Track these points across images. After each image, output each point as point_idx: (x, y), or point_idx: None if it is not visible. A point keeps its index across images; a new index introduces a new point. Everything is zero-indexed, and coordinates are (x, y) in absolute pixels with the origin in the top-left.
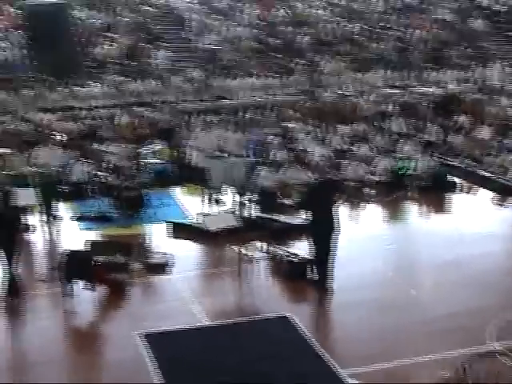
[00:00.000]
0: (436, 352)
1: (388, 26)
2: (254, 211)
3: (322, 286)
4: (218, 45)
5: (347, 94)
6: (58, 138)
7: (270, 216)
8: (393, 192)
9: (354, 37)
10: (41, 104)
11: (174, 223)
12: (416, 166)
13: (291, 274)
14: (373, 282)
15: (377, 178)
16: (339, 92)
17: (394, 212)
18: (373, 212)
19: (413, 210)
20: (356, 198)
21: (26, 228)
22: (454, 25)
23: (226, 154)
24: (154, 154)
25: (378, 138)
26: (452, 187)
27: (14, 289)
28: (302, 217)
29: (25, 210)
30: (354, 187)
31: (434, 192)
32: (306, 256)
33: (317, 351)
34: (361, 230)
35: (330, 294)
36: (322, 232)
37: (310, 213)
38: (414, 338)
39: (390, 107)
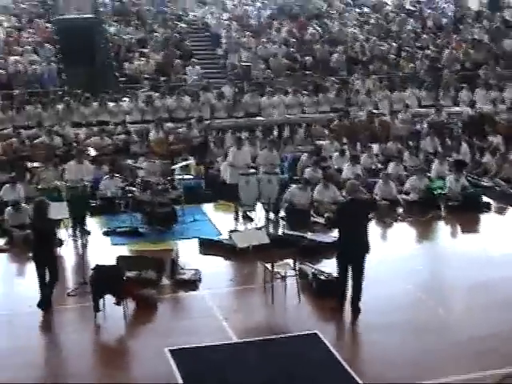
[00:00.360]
0: (466, 373)
1: (421, 45)
2: (284, 229)
3: (351, 307)
4: (251, 62)
5: (380, 112)
6: (91, 152)
7: (299, 233)
8: (425, 212)
9: (388, 56)
10: (73, 118)
11: (205, 239)
12: (449, 186)
13: (320, 291)
14: (403, 303)
15: (409, 198)
16: (373, 111)
17: (426, 232)
18: (405, 232)
19: (445, 230)
20: (388, 217)
21: (59, 242)
22: (487, 45)
23: (258, 171)
24: (187, 170)
25: (411, 157)
26: (484, 208)
27: (47, 303)
28: (331, 235)
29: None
30: (386, 206)
31: (467, 213)
32: (336, 274)
33: (345, 371)
34: (392, 251)
35: (358, 314)
36: (351, 252)
37: (339, 231)
38: (444, 360)
39: (424, 126)
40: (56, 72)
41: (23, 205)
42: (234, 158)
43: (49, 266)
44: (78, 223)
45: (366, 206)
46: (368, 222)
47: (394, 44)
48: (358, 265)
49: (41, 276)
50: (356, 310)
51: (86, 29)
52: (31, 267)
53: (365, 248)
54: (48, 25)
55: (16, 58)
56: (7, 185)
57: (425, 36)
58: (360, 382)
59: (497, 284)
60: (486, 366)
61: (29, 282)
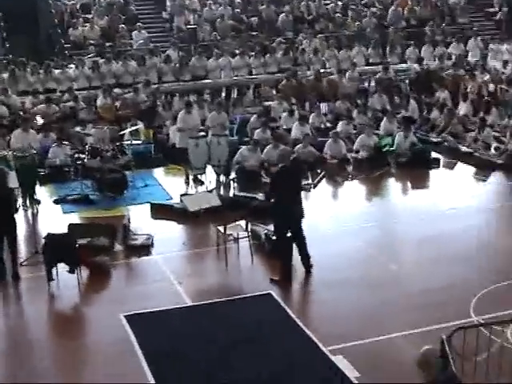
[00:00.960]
0: (418, 327)
1: (367, 3)
2: (235, 190)
3: (304, 266)
4: (197, 24)
5: (328, 71)
6: (38, 121)
7: (250, 195)
8: (375, 169)
9: (334, 14)
10: (19, 87)
11: (156, 204)
12: (398, 142)
13: (273, 252)
14: (354, 259)
15: (359, 156)
16: (320, 70)
17: (376, 189)
18: (355, 189)
19: (394, 186)
20: (338, 175)
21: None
22: (432, 1)
23: (207, 134)
24: (136, 135)
25: (359, 115)
26: (434, 163)
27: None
28: None
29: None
30: (336, 165)
31: (416, 168)
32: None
33: (300, 329)
34: (343, 208)
35: (311, 270)
36: (289, 217)
37: (274, 199)
38: (396, 313)
39: (372, 84)
40: (1, 40)
41: None
42: (183, 121)
43: (9, 235)
44: (28, 192)
45: (298, 172)
46: (301, 188)
47: (339, 2)
48: (298, 229)
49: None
50: (309, 269)
51: None
52: None
53: (301, 212)
54: None
55: None
56: None
57: None
58: (314, 339)
59: (446, 237)
60: (436, 318)
61: None
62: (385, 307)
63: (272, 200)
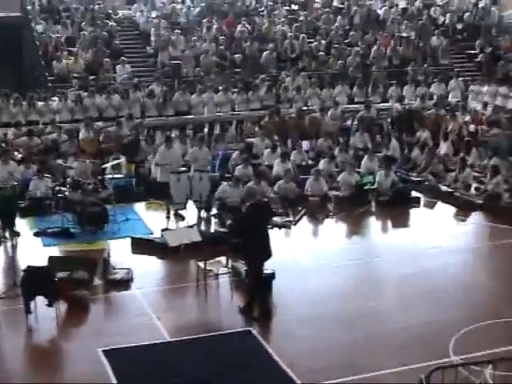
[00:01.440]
0: (397, 366)
1: (350, 42)
2: (216, 226)
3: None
4: (181, 60)
5: (311, 109)
6: (18, 153)
7: None
8: (356, 207)
9: (318, 53)
10: (1, 118)
11: (136, 238)
12: (379, 181)
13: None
14: (333, 295)
15: (340, 194)
16: (303, 108)
17: (357, 227)
18: (336, 227)
19: (375, 225)
20: (319, 213)
21: None
22: (414, 42)
23: (189, 169)
24: (118, 169)
25: (341, 153)
26: (414, 202)
27: None
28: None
29: None
30: (317, 203)
31: (397, 207)
32: (268, 271)
33: (278, 366)
34: (323, 245)
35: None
36: (259, 256)
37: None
38: (375, 351)
39: (354, 123)
40: None
41: None
42: (162, 157)
43: None
44: (7, 224)
45: (266, 209)
46: (268, 226)
47: (323, 41)
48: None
49: None
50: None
51: (13, 27)
52: None
53: (269, 252)
54: None
55: None
56: None
57: (353, 33)
58: (293, 376)
59: (426, 275)
60: (415, 356)
61: None
62: (363, 344)
63: (236, 239)
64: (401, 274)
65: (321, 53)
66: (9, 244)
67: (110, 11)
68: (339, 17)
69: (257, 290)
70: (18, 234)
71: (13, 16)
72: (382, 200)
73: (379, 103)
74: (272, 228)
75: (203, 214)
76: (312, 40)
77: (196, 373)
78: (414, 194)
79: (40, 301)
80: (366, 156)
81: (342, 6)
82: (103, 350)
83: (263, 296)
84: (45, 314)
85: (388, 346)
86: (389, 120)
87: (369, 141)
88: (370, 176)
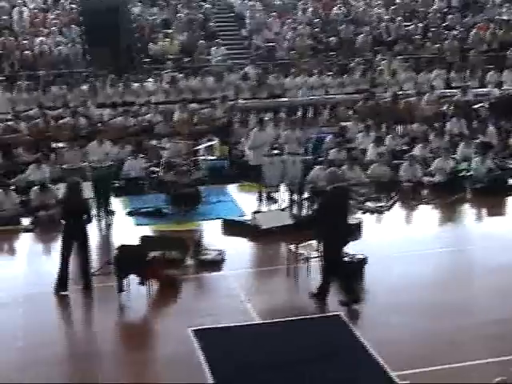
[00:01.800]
0: (489, 357)
1: (448, 25)
2: (307, 210)
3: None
4: (276, 42)
5: (406, 94)
6: (115, 133)
7: None
8: (450, 194)
9: (414, 37)
10: (98, 99)
11: (228, 220)
12: (475, 168)
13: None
14: (425, 284)
15: (434, 180)
16: (398, 92)
17: (451, 214)
18: (429, 214)
19: (470, 212)
20: (413, 199)
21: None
22: None
23: (282, 152)
24: (211, 151)
25: (436, 138)
26: (510, 191)
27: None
28: (354, 217)
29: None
30: (410, 188)
31: (493, 195)
32: (360, 256)
33: (367, 352)
34: (415, 231)
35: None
36: (333, 241)
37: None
38: (466, 341)
39: (450, 108)
40: (81, 53)
41: (49, 185)
42: (255, 139)
43: (80, 243)
44: (103, 203)
45: (346, 194)
46: (349, 210)
47: (419, 24)
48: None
49: (65, 258)
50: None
51: (110, 10)
52: (56, 246)
53: (347, 237)
54: (73, 5)
55: (42, 39)
56: (33, 165)
57: (451, 16)
58: (382, 362)
59: None
60: (505, 349)
61: (55, 260)
62: (455, 334)
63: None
64: (495, 264)
65: (417, 36)
66: (103, 222)
67: None
68: None
69: (332, 276)
70: (112, 213)
71: None
72: (478, 187)
73: (477, 88)
74: (364, 213)
75: (295, 197)
76: (408, 23)
77: (284, 356)
78: (511, 181)
79: (132, 279)
80: (462, 142)
81: None
82: (193, 330)
83: (347, 281)
84: (137, 292)
85: (480, 337)
86: (486, 106)
87: (465, 126)
88: (466, 162)
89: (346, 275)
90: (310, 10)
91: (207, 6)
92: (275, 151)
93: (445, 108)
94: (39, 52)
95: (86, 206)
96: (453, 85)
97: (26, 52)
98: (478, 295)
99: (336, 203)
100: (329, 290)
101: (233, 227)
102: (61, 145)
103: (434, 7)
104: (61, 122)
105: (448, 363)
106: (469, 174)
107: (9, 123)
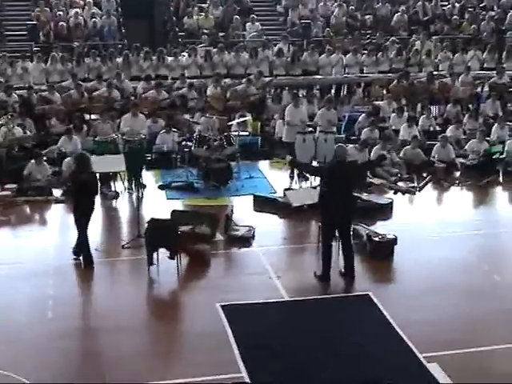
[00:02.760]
0: None
1: (485, 6)
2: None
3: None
4: (311, 19)
5: (441, 74)
6: (148, 106)
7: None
8: (483, 176)
9: (450, 17)
10: (132, 72)
11: (259, 197)
12: (508, 150)
13: (374, 253)
14: (457, 267)
15: (467, 162)
16: (433, 72)
17: (483, 197)
18: (462, 196)
19: (502, 195)
20: (445, 180)
21: (116, 195)
22: None
23: (315, 130)
24: (244, 126)
25: (470, 120)
26: None
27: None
28: (386, 196)
29: (112, 176)
30: (443, 169)
31: None
32: (390, 236)
33: (396, 333)
34: (447, 213)
35: (352, 281)
36: (337, 215)
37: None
38: (498, 326)
39: (484, 89)
40: (116, 25)
41: None
42: (290, 115)
43: (87, 217)
44: (134, 176)
45: (354, 169)
46: (354, 187)
47: (456, 4)
48: (344, 230)
49: (81, 226)
50: (351, 277)
51: None
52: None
53: (351, 212)
54: None
55: (77, 10)
56: (65, 136)
57: None
58: (409, 343)
59: None
60: None
61: None
62: (486, 318)
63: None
64: None
65: (454, 17)
66: (135, 195)
67: None
68: None
69: (327, 254)
70: (144, 187)
71: None
72: (511, 170)
73: None
74: (396, 193)
75: None
76: (445, 3)
77: (311, 334)
78: None
79: (162, 253)
80: (496, 124)
81: None
82: (221, 305)
83: (325, 257)
84: (166, 266)
85: (509, 322)
86: None
87: (500, 108)
88: (500, 145)
89: (328, 250)
90: None
91: None
92: (308, 129)
93: (479, 89)
94: (74, 23)
95: (94, 179)
96: (487, 66)
97: (61, 23)
98: (509, 280)
99: (335, 177)
100: (328, 268)
101: (264, 204)
102: (94, 117)
103: None
104: (95, 93)
105: (476, 347)
106: (502, 156)
107: (43, 94)
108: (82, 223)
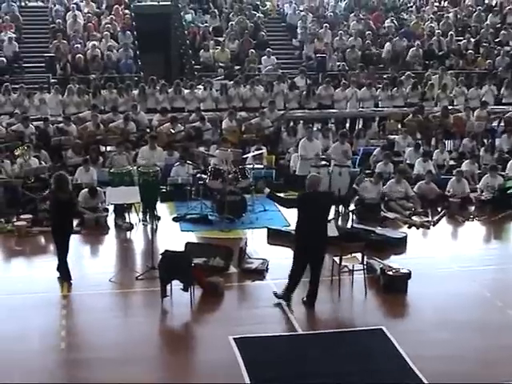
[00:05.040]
0: None
1: (501, 41)
2: (353, 222)
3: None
4: (326, 53)
5: (456, 108)
6: (163, 138)
7: (368, 228)
8: (498, 211)
9: (466, 52)
10: (148, 104)
11: (273, 230)
12: None
13: (388, 287)
14: (470, 302)
15: (482, 197)
16: (448, 106)
17: (498, 232)
18: (476, 231)
19: None
20: (460, 215)
21: (130, 226)
22: None
23: (329, 163)
24: (259, 159)
25: (486, 155)
26: None
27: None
28: (400, 230)
29: (127, 208)
30: (458, 204)
31: None
32: (404, 270)
33: (410, 368)
34: (461, 248)
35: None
36: (310, 244)
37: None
38: (509, 361)
39: (501, 124)
40: (132, 58)
41: (97, 188)
42: (304, 149)
43: (66, 236)
44: (149, 208)
45: (327, 198)
46: (328, 216)
47: (472, 39)
48: (317, 258)
49: (63, 251)
50: (311, 305)
51: (163, 16)
52: (103, 249)
53: (324, 241)
54: (126, 11)
55: (94, 43)
56: (81, 167)
57: (504, 32)
58: (423, 379)
59: None
60: None
61: (100, 263)
62: (499, 354)
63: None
64: None
65: (469, 51)
66: (149, 227)
67: (258, 2)
68: (490, 14)
69: (293, 279)
70: (158, 218)
71: (163, 5)
72: None
73: None
74: (410, 227)
75: (341, 209)
76: (460, 38)
77: (325, 368)
78: None
79: (176, 285)
80: (511, 159)
81: (493, 3)
82: (234, 338)
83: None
84: (180, 298)
85: None
86: None
87: None
88: None
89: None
90: (362, 21)
91: (259, 15)
92: (323, 162)
93: (495, 124)
94: (91, 56)
95: (72, 199)
96: (503, 101)
97: (79, 55)
98: None
99: (308, 207)
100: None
101: (277, 237)
102: (109, 148)
103: (487, 22)
104: (111, 125)
105: (488, 382)
106: None
107: (59, 125)
108: (60, 243)
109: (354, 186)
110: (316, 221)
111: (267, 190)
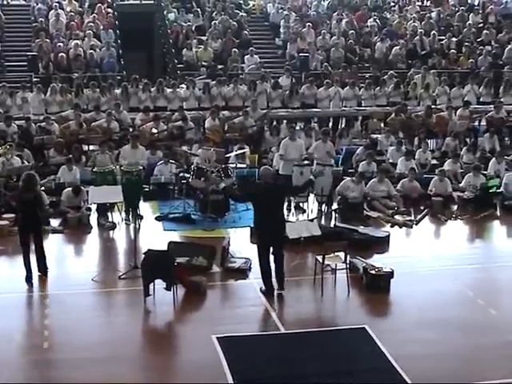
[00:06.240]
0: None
1: (483, 40)
2: (336, 221)
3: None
4: (309, 53)
5: (438, 108)
6: (146, 138)
7: (351, 227)
8: (480, 210)
9: (448, 51)
10: (130, 103)
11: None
12: (505, 184)
13: (370, 286)
14: (453, 301)
15: (464, 195)
16: (431, 106)
17: (480, 231)
18: (458, 230)
19: (499, 230)
20: (442, 214)
21: (113, 226)
22: None
23: (312, 163)
24: (241, 159)
25: (468, 154)
26: None
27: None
28: (383, 229)
29: (110, 207)
30: (440, 203)
31: None
32: (387, 269)
33: (392, 366)
34: (444, 247)
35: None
36: (269, 235)
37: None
38: (493, 360)
39: (482, 124)
40: (115, 57)
41: (80, 187)
42: (285, 149)
43: (35, 234)
44: (132, 207)
45: (280, 189)
46: (283, 205)
47: (454, 39)
48: (278, 245)
49: (25, 250)
50: (281, 288)
51: (146, 15)
52: (86, 248)
53: (282, 231)
54: (109, 10)
55: (77, 41)
56: (64, 166)
57: (486, 31)
58: (407, 379)
59: None
60: None
61: (82, 262)
62: (481, 352)
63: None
64: None
65: (452, 51)
66: (132, 226)
67: (241, 1)
68: (472, 14)
69: (264, 272)
70: (141, 218)
71: (146, 4)
72: (508, 204)
73: (510, 105)
74: (392, 226)
75: (324, 208)
76: (443, 37)
77: (307, 367)
78: None
79: (159, 284)
80: (493, 158)
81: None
82: (217, 337)
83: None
84: (163, 297)
85: (508, 357)
86: None
87: (497, 143)
88: (497, 179)
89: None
90: (345, 21)
91: (242, 14)
92: (305, 161)
93: (477, 123)
94: (74, 55)
95: (39, 198)
96: (481, 100)
97: (61, 54)
98: (505, 314)
99: (262, 199)
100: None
101: None
102: (92, 147)
103: (469, 22)
104: (93, 124)
105: (470, 381)
106: (499, 190)
107: (41, 124)
108: (23, 241)
109: (311, 177)
110: (271, 211)
111: (222, 185)
